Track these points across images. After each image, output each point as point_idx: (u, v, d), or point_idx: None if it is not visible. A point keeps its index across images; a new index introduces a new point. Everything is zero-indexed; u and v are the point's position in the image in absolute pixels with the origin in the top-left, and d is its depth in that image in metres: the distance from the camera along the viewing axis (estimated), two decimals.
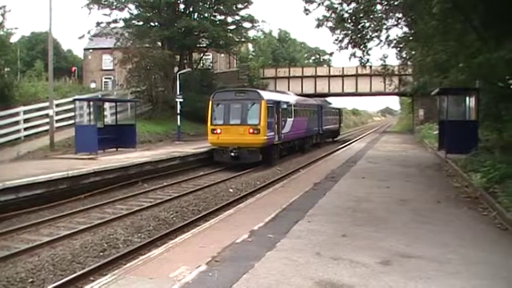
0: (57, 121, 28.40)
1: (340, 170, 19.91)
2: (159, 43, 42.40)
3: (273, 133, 28.05)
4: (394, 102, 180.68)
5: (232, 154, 26.50)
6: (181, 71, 39.86)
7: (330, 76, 58.24)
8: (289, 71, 60.09)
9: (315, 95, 53.67)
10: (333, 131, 51.57)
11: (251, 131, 26.39)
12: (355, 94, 59.38)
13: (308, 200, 13.06)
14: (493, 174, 13.90)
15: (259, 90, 30.08)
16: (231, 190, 20.10)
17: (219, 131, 26.98)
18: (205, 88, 43.92)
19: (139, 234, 13.07)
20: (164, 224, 14.25)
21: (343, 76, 57.14)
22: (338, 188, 15.30)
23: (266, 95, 28.92)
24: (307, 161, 29.43)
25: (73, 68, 56.45)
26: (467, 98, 23.29)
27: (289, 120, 31.76)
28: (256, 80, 56.47)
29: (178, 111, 36.58)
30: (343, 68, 57.07)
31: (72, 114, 28.66)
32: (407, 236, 9.12)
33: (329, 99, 57.04)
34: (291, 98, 34.67)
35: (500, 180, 13.24)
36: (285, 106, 31.02)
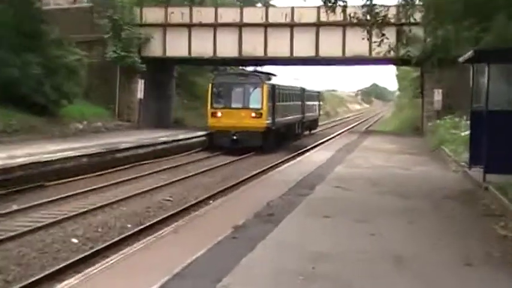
0: None
1: (285, 201, 12.87)
2: None
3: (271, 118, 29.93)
4: (387, 77, 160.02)
5: (234, 137, 27.81)
6: None
7: (267, 25, 36.05)
8: (191, 15, 36.99)
9: (240, 60, 38.69)
10: (313, 120, 50.83)
11: (253, 115, 28.41)
12: (315, 60, 38.01)
13: (222, 257, 7.83)
14: None
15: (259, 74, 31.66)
16: (74, 240, 11.72)
17: (219, 114, 28.65)
18: (29, 40, 27.64)
19: None
20: None
21: (292, 26, 35.71)
22: (280, 234, 9.25)
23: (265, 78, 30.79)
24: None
25: None
26: None
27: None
28: (127, 27, 35.15)
29: None
30: (292, 8, 35.73)
31: None
32: None
33: (268, 69, 40.51)
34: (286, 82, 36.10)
35: None
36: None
